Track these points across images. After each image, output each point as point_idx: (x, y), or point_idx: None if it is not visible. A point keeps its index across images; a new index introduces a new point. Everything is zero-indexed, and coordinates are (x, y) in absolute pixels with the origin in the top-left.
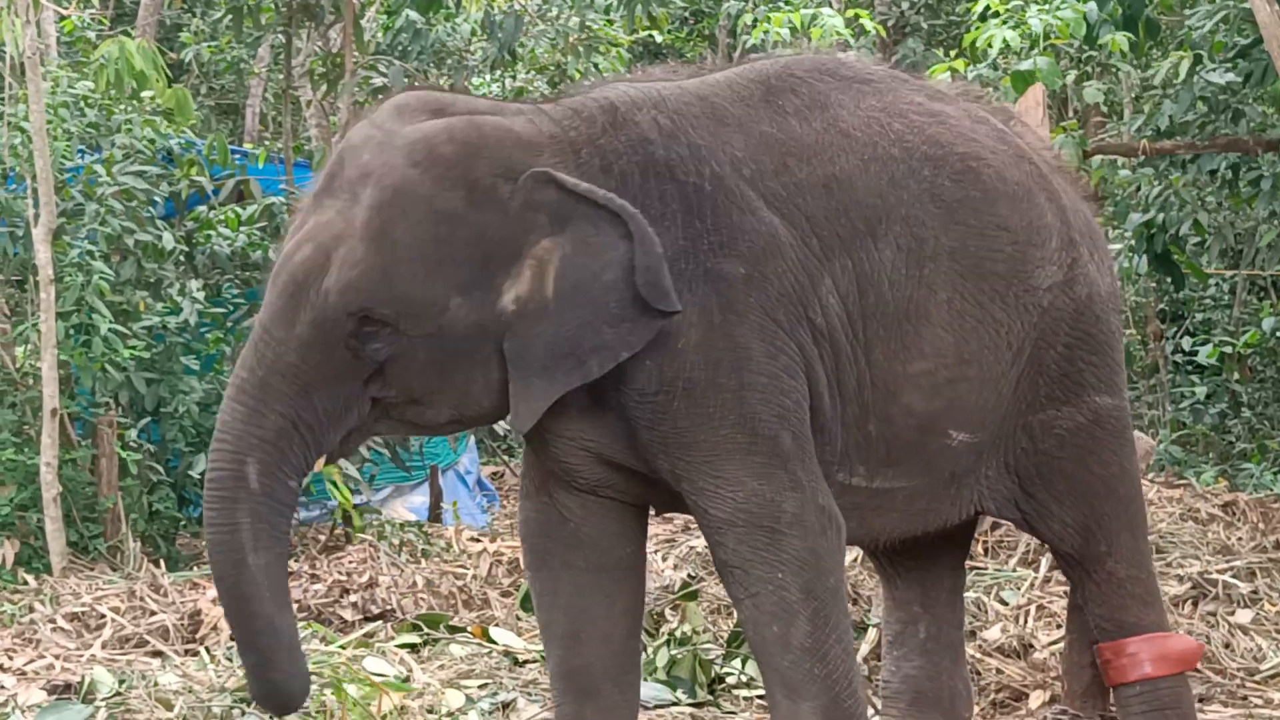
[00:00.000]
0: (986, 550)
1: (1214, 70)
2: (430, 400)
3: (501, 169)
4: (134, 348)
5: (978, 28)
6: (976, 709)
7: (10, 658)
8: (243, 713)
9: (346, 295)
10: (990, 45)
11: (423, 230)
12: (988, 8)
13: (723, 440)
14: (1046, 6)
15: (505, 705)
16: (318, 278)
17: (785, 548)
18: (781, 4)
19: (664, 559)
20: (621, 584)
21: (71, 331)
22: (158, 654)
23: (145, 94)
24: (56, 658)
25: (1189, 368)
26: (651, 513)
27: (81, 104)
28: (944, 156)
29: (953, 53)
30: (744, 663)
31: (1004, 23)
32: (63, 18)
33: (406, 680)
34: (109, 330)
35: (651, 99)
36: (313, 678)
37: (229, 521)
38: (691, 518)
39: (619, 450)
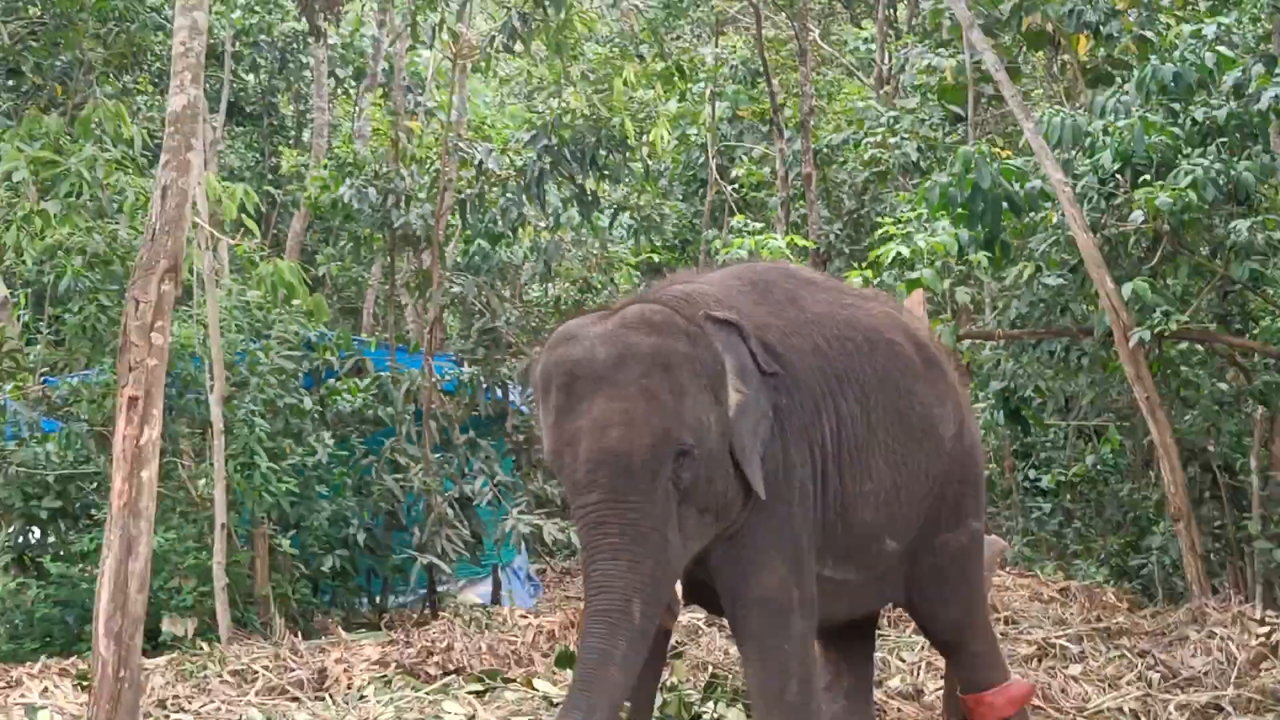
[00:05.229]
0: (890, 622)
1: (1050, 276)
2: (705, 508)
3: (686, 319)
4: (287, 482)
5: (882, 247)
6: None
7: (190, 703)
8: None
9: (669, 435)
10: (886, 259)
11: (685, 365)
12: (887, 233)
13: (775, 534)
14: (928, 232)
15: None
16: (636, 445)
17: (792, 626)
18: (743, 233)
19: None
20: (657, 661)
21: (238, 468)
22: (295, 699)
23: (295, 302)
24: (223, 703)
25: (1035, 491)
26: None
27: (248, 307)
28: (876, 339)
29: (864, 265)
30: (715, 703)
31: (900, 243)
32: (234, 245)
33: (472, 718)
34: (267, 468)
35: (701, 291)
36: (400, 717)
37: (607, 645)
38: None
39: (699, 565)
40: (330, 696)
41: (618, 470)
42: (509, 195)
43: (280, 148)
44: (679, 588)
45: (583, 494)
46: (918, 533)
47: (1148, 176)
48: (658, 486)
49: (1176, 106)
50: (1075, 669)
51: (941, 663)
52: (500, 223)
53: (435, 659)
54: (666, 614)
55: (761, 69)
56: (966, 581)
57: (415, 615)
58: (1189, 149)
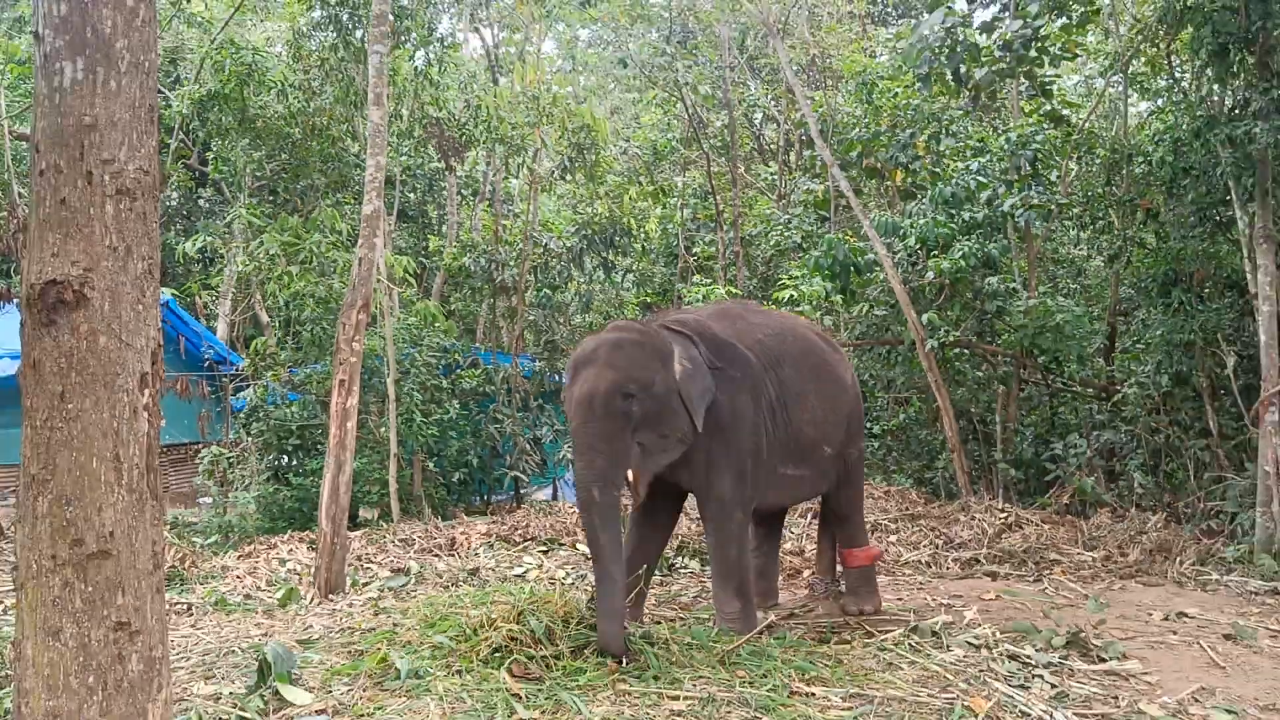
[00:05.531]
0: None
1: (879, 310)
2: (665, 434)
3: (653, 330)
4: (432, 429)
5: (781, 293)
6: (779, 578)
7: (375, 558)
8: (469, 577)
9: (616, 384)
10: (783, 299)
11: (633, 349)
12: (784, 285)
13: (730, 461)
14: (808, 284)
15: (582, 576)
16: (597, 390)
17: (735, 515)
18: (700, 286)
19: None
20: (662, 533)
21: (403, 421)
22: (437, 555)
23: (436, 324)
24: (394, 558)
25: (870, 435)
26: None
27: (409, 328)
28: (795, 334)
29: (770, 303)
30: (684, 558)
31: (791, 290)
32: (401, 292)
33: (540, 566)
34: (420, 421)
35: (683, 319)
36: (498, 565)
37: (588, 522)
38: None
39: (677, 474)
40: (457, 553)
41: (587, 406)
42: (562, 263)
43: (428, 236)
44: (631, 476)
45: (571, 421)
46: (838, 448)
47: (936, 252)
48: (611, 416)
49: (953, 211)
50: (893, 538)
51: (813, 532)
52: (557, 279)
53: (518, 531)
54: (635, 496)
55: (710, 190)
56: (859, 478)
57: (507, 507)
58: (960, 236)
